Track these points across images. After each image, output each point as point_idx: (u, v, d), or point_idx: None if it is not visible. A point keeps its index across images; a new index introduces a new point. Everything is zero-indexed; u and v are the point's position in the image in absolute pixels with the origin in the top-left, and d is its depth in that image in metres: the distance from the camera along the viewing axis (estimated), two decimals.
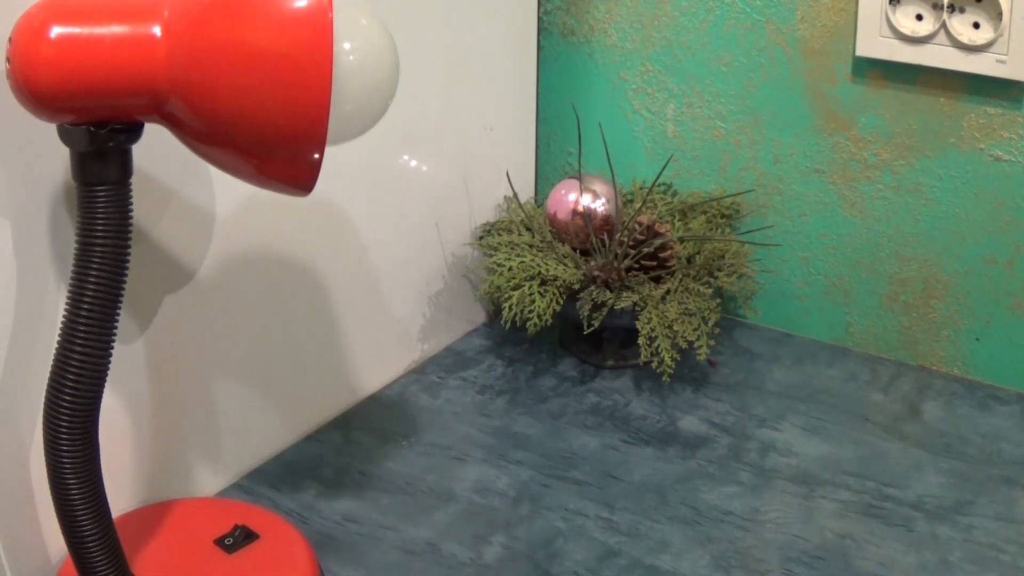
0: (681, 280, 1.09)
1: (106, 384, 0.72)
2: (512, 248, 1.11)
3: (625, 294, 1.07)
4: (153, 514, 0.88)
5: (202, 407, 0.94)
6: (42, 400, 0.71)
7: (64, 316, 0.70)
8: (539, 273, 1.08)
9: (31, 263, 0.78)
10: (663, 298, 1.07)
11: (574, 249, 1.12)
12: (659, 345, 1.04)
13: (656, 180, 1.15)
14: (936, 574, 0.87)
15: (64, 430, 0.70)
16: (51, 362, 0.71)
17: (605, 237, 1.11)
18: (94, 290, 0.69)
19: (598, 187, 1.11)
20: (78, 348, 0.70)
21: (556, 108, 1.25)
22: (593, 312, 1.06)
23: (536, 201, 1.25)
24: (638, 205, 1.14)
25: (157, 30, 0.66)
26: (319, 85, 0.64)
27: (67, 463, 0.71)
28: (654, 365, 1.05)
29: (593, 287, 1.08)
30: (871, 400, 1.09)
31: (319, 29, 0.64)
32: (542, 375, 1.13)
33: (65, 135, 0.68)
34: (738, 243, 1.13)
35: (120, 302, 0.71)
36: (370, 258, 1.06)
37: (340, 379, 1.07)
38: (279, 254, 0.97)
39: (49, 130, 0.69)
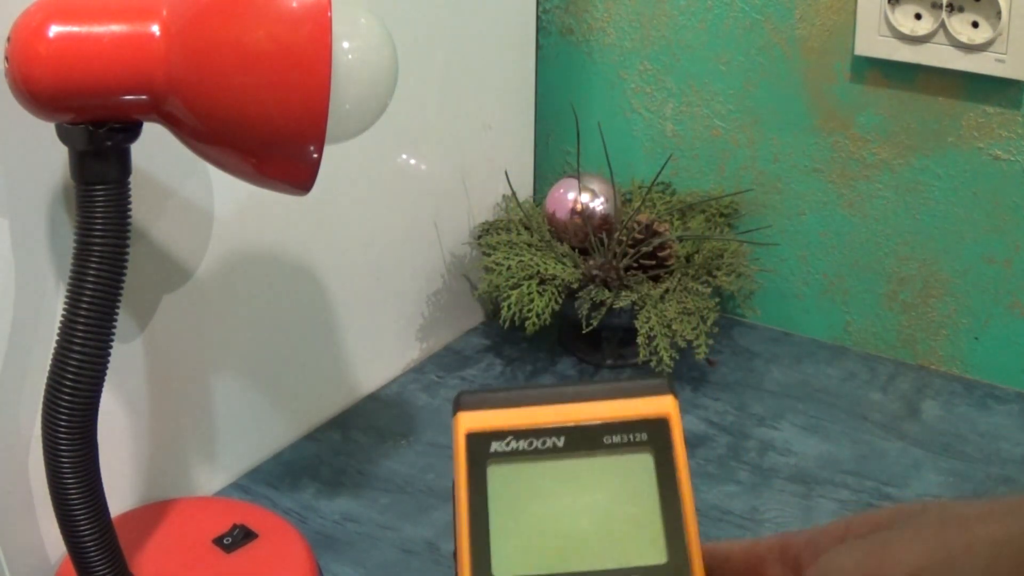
0: (680, 279, 1.09)
1: (105, 383, 0.71)
2: (511, 247, 1.11)
3: (624, 293, 1.07)
4: (152, 514, 0.88)
5: (201, 406, 0.94)
6: (41, 399, 0.71)
7: (63, 315, 0.70)
8: (538, 272, 1.08)
9: (30, 262, 0.78)
10: (662, 297, 1.07)
11: (573, 248, 1.12)
12: (658, 344, 1.04)
13: (655, 179, 1.15)
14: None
15: (63, 429, 0.70)
16: (50, 361, 0.71)
17: (604, 236, 1.11)
18: (93, 289, 0.69)
19: (597, 186, 1.11)
20: (77, 347, 0.69)
21: (555, 107, 1.24)
22: (592, 311, 1.06)
23: (535, 200, 1.25)
24: (637, 204, 1.14)
25: (156, 29, 0.66)
26: (318, 84, 0.64)
27: (66, 463, 0.71)
28: (653, 364, 1.05)
29: (592, 286, 1.07)
30: (870, 399, 1.09)
31: (318, 28, 0.64)
32: (541, 374, 1.13)
33: (64, 134, 0.68)
34: (737, 242, 1.13)
35: (119, 301, 0.70)
36: (368, 257, 1.06)
37: (339, 378, 1.07)
38: (278, 253, 0.97)
39: (48, 129, 0.69)
